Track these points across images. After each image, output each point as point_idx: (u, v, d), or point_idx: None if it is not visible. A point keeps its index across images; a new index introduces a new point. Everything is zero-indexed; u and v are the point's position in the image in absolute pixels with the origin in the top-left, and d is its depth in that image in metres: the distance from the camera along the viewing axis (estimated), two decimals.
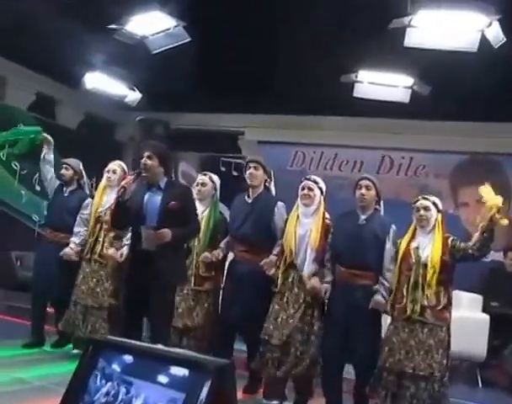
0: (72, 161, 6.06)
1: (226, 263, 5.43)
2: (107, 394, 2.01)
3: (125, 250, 5.31)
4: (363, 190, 4.64)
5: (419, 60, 6.43)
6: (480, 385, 6.37)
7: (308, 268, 4.71)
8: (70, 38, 6.84)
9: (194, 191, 5.20)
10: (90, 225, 5.73)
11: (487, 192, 4.26)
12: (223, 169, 9.95)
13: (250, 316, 4.86)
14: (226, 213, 5.56)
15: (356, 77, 7.30)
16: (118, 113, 10.12)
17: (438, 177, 9.18)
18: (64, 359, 5.46)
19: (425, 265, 4.28)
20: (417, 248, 4.37)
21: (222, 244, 5.28)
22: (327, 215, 4.86)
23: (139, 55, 6.88)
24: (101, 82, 8.34)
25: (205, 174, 5.49)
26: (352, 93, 7.44)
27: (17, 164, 9.00)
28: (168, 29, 6.46)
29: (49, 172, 6.03)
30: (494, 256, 7.36)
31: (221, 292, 5.34)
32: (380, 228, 4.59)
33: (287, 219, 4.92)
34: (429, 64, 6.53)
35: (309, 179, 4.93)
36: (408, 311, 4.26)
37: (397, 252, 4.46)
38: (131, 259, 4.60)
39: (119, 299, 5.37)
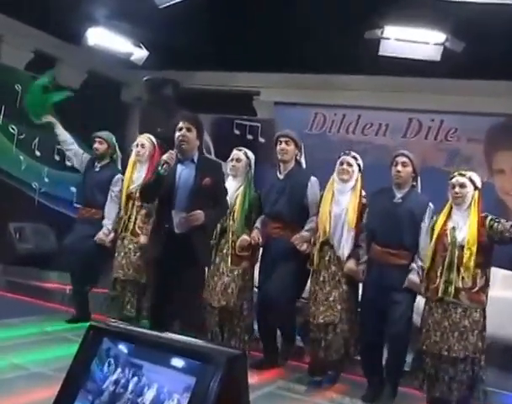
0: (105, 134, 6.13)
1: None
2: (116, 383, 1.94)
3: None
4: (399, 167, 4.63)
5: (452, 14, 6.19)
6: None
7: (345, 248, 4.81)
8: None
9: (228, 167, 5.30)
10: (122, 202, 5.86)
11: None
12: (237, 132, 9.96)
13: (285, 293, 4.96)
14: None
15: (382, 33, 7.08)
16: (123, 72, 9.85)
17: (470, 141, 8.83)
18: (64, 342, 5.28)
19: (462, 247, 4.22)
20: (453, 229, 4.30)
21: (258, 224, 5.29)
22: (363, 193, 4.90)
23: (146, 8, 6.56)
24: (105, 38, 8.14)
25: (239, 149, 5.45)
26: (377, 50, 7.17)
27: (14, 127, 8.75)
28: None
29: (71, 149, 6.23)
30: None
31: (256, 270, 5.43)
32: (416, 207, 4.59)
33: (322, 195, 4.99)
34: (463, 18, 6.20)
35: (348, 154, 4.95)
36: (440, 293, 4.24)
37: (432, 231, 4.42)
38: (161, 241, 4.47)
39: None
